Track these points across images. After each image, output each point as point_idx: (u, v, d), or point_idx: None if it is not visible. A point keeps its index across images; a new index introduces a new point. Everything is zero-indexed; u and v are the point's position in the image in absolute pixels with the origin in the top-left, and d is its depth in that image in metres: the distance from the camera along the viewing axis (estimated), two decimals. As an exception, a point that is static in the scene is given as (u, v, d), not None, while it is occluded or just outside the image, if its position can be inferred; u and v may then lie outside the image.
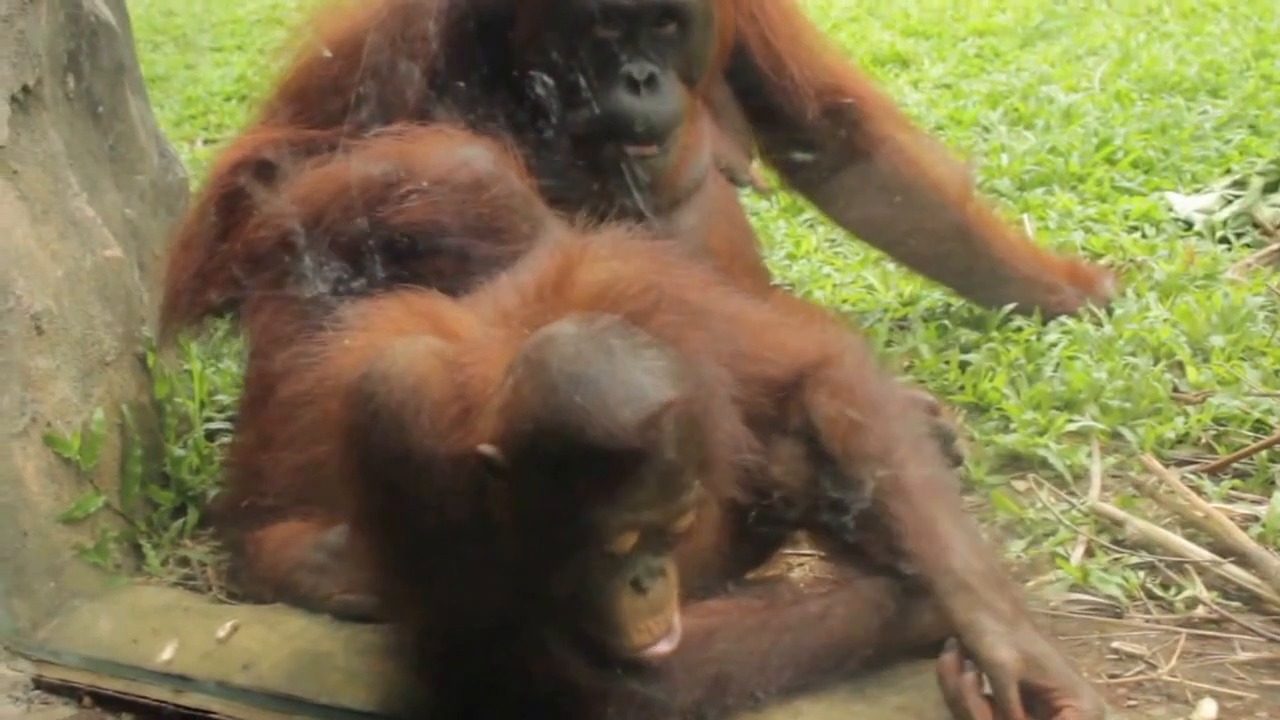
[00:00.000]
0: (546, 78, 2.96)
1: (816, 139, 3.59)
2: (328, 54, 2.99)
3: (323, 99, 3.04)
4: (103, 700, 2.68)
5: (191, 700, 2.59)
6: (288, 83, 3.17)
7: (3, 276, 2.81)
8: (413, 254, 2.78)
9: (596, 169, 3.06)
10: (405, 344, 2.15)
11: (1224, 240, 4.31)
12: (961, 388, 3.52)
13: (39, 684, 2.74)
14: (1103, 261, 4.20)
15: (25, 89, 3.06)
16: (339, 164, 2.92)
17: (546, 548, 2.10)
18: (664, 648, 2.17)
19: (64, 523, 2.92)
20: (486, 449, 2.05)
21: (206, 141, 6.52)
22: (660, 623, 2.16)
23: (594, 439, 1.99)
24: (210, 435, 3.42)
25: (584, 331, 2.07)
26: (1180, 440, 3.23)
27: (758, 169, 3.69)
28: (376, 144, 2.94)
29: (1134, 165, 4.93)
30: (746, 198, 3.95)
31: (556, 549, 2.10)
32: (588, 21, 2.99)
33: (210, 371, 3.63)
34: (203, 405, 3.46)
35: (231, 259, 3.00)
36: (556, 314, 2.13)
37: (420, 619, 2.31)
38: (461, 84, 2.99)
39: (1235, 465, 3.10)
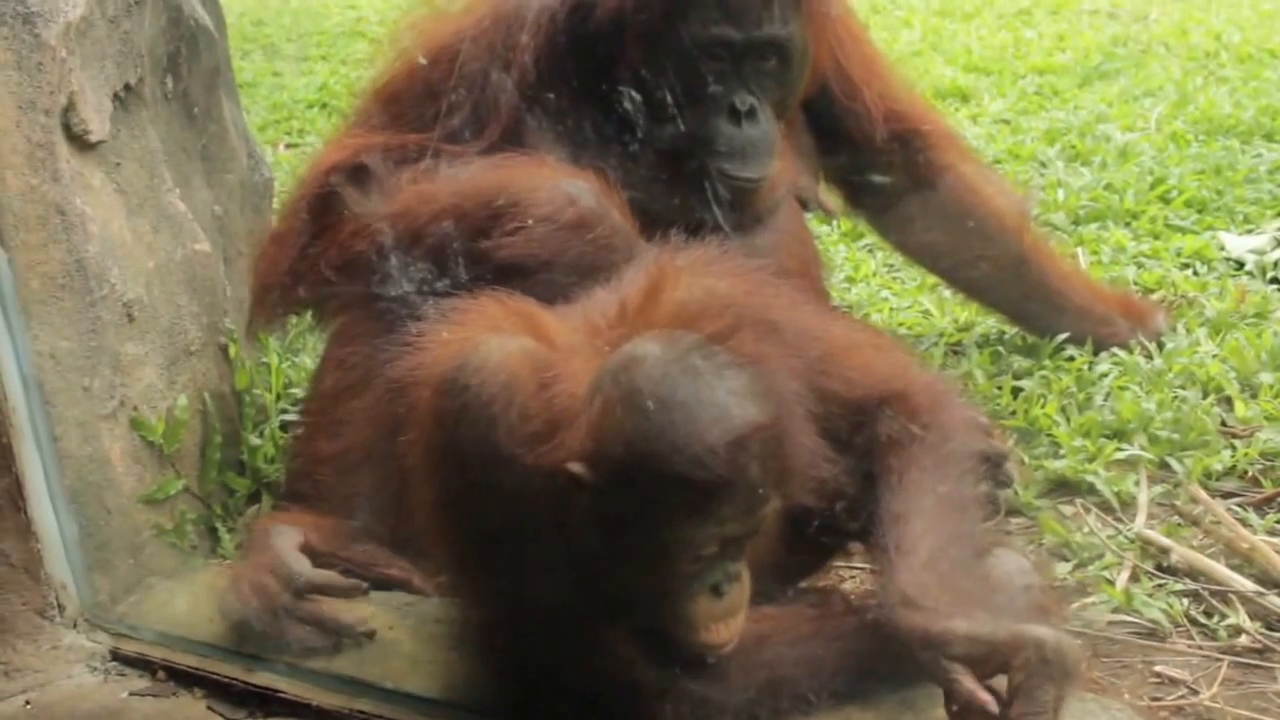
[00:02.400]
0: (642, 98, 2.96)
1: (882, 165, 3.57)
2: (424, 61, 2.98)
3: (418, 104, 3.02)
4: (176, 674, 2.70)
5: (261, 679, 2.60)
6: (384, 86, 3.15)
7: (99, 265, 2.84)
8: (508, 284, 2.76)
9: (684, 186, 3.05)
10: (501, 341, 2.15)
11: (1274, 280, 4.26)
12: (1013, 413, 3.50)
13: (116, 656, 2.76)
14: (1155, 297, 4.16)
15: (127, 87, 3.09)
16: (438, 183, 2.91)
17: (629, 557, 2.11)
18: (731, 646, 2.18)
19: (145, 503, 2.94)
20: (575, 467, 2.05)
21: (289, 145, 6.57)
22: (733, 624, 2.16)
23: (683, 465, 2.00)
24: (285, 426, 3.42)
25: (669, 353, 2.06)
26: (1227, 473, 3.19)
27: (825, 193, 3.67)
28: (478, 169, 2.92)
29: (1188, 204, 4.89)
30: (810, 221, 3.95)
31: (639, 559, 2.11)
32: (696, 53, 2.98)
33: (287, 365, 3.65)
34: (279, 397, 3.48)
35: (323, 261, 2.99)
36: (641, 331, 2.13)
37: (488, 610, 2.31)
38: (552, 96, 2.99)
39: (1281, 499, 3.07)
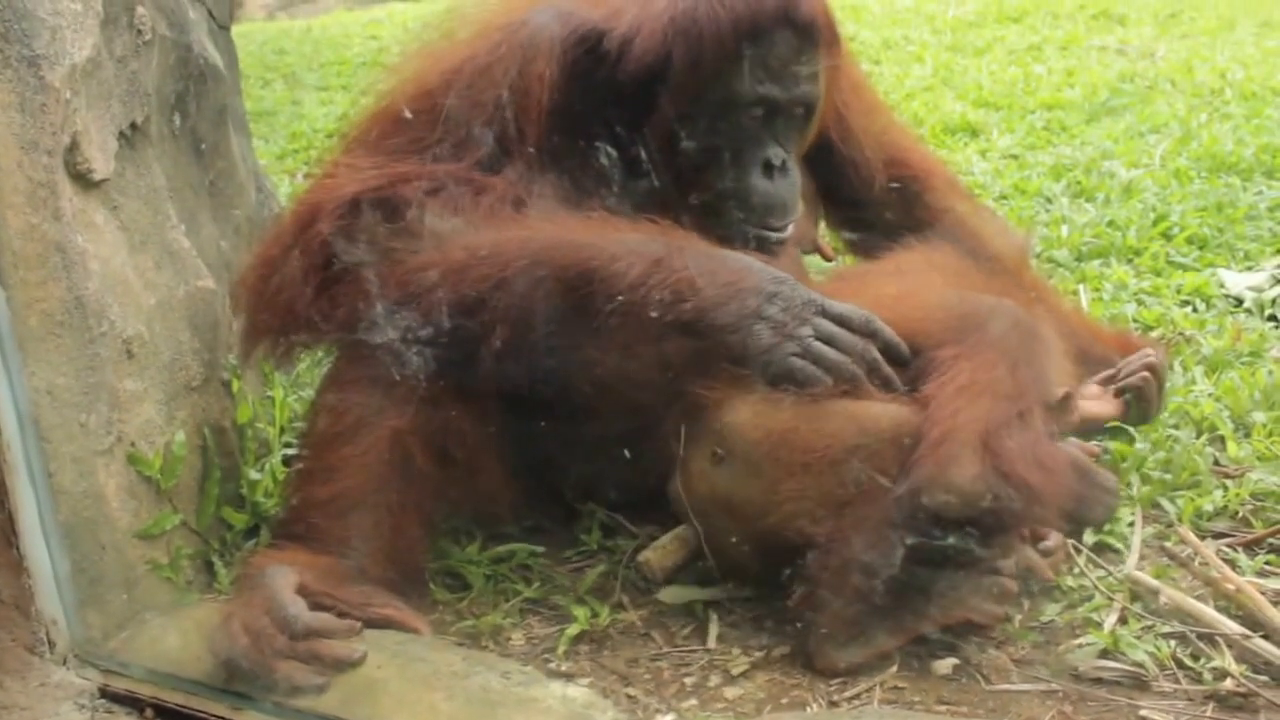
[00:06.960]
0: (664, 152, 2.98)
1: (881, 209, 3.55)
2: (409, 114, 2.96)
3: (403, 151, 2.98)
4: (164, 713, 2.66)
5: (249, 718, 2.57)
6: (368, 128, 3.11)
7: (99, 302, 2.81)
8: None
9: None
10: None
11: (1272, 318, 4.23)
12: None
13: (104, 693, 2.72)
14: (1154, 334, 4.12)
15: (133, 126, 3.08)
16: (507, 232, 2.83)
17: None
18: None
19: (140, 538, 2.91)
20: None
21: (306, 175, 6.56)
22: None
23: None
24: (287, 460, 3.39)
25: None
26: (1218, 513, 3.15)
27: (823, 237, 3.67)
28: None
29: (1189, 241, 4.86)
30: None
31: None
32: (740, 110, 2.97)
33: (291, 399, 3.62)
34: (282, 431, 3.45)
35: (319, 305, 2.89)
36: None
37: None
38: (532, 150, 2.95)
39: (1270, 540, 3.02)
